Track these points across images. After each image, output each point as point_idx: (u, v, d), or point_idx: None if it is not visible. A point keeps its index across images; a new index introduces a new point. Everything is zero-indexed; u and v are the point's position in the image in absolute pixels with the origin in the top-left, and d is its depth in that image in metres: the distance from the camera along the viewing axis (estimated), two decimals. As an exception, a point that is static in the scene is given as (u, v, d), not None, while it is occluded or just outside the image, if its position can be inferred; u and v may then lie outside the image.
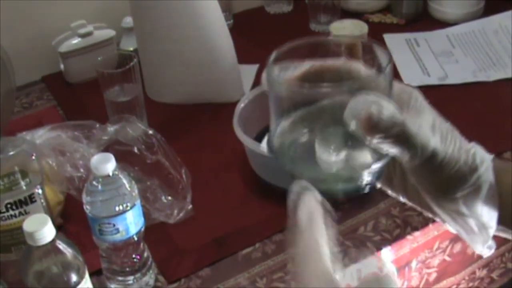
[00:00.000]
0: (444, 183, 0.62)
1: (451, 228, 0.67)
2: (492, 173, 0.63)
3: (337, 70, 0.64)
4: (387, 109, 0.57)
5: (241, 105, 1.29)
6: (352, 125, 0.57)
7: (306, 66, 0.66)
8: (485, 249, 0.68)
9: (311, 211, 0.60)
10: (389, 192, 0.69)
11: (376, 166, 0.61)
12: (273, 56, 0.69)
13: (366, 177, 0.62)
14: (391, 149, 0.59)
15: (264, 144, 0.61)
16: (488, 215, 0.64)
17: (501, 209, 0.63)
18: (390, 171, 0.67)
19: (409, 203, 0.69)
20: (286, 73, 0.66)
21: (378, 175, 0.62)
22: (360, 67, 0.63)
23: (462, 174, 0.62)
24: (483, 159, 0.64)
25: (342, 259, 1.13)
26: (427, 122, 0.61)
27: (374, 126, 0.57)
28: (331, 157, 0.61)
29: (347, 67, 0.64)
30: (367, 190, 0.62)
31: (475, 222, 0.65)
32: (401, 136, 0.58)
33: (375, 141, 0.58)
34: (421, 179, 0.64)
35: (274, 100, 0.67)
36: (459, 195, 0.63)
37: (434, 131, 0.61)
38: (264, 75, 0.68)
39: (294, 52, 0.70)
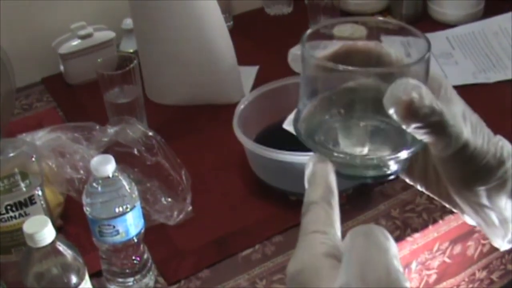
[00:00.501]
0: (472, 175, 0.61)
1: (470, 220, 0.66)
2: None
3: (367, 52, 0.65)
4: (428, 97, 0.56)
5: (241, 106, 1.29)
6: (391, 110, 0.56)
7: (335, 46, 0.66)
8: (505, 243, 0.67)
9: (326, 185, 0.59)
10: (407, 180, 0.68)
11: (405, 154, 0.60)
12: (307, 33, 0.66)
13: (393, 165, 0.61)
14: (427, 138, 0.58)
15: (288, 124, 0.60)
16: (509, 210, 0.63)
17: None
18: (412, 159, 0.64)
19: (427, 192, 0.68)
20: (315, 52, 0.64)
21: (405, 163, 0.62)
22: (391, 51, 0.65)
23: (490, 167, 0.61)
24: (510, 152, 0.62)
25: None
26: (459, 112, 0.61)
27: (414, 112, 0.56)
28: (355, 150, 0.61)
29: (378, 50, 0.65)
30: (393, 176, 0.62)
31: (497, 215, 0.64)
32: (438, 125, 0.57)
33: (412, 127, 0.57)
34: (450, 170, 0.62)
35: (304, 79, 0.64)
36: (484, 188, 0.62)
37: (466, 122, 0.61)
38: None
39: (328, 32, 0.69)
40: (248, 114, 1.29)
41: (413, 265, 1.19)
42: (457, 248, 1.27)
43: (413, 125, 0.56)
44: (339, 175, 0.61)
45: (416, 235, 1.18)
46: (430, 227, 1.19)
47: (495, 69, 1.57)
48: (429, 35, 1.68)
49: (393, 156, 0.60)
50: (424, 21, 1.77)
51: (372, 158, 0.60)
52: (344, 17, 1.70)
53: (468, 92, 1.56)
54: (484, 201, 0.63)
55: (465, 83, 1.53)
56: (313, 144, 0.62)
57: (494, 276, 1.37)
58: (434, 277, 1.24)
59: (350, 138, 0.62)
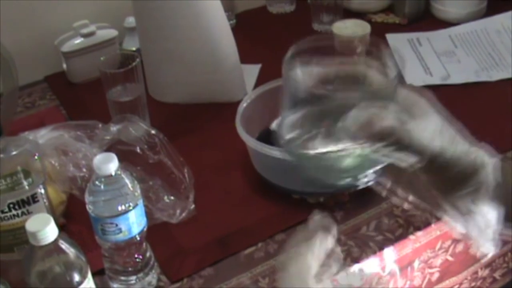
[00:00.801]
0: (449, 181, 0.68)
1: (458, 225, 0.71)
2: (498, 173, 0.68)
3: (355, 74, 0.72)
4: (386, 120, 0.65)
5: (243, 104, 1.29)
6: (355, 132, 0.65)
7: (326, 66, 0.73)
8: (490, 247, 0.72)
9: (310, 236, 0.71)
10: (399, 192, 0.73)
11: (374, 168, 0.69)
12: (290, 52, 0.76)
13: (367, 176, 0.69)
14: (393, 154, 0.66)
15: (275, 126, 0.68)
16: (492, 214, 0.68)
17: (509, 207, 0.68)
18: (400, 172, 0.70)
19: (418, 202, 0.73)
20: (307, 69, 0.73)
21: (379, 174, 0.70)
22: (375, 74, 0.72)
23: (464, 175, 0.68)
24: (486, 162, 0.68)
25: (345, 258, 1.13)
26: (429, 128, 0.68)
27: (373, 134, 0.64)
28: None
29: (363, 72, 0.72)
30: (368, 185, 0.72)
31: (482, 219, 0.69)
32: (399, 143, 0.65)
33: (376, 147, 0.65)
34: (429, 177, 0.69)
35: (289, 94, 0.72)
36: (464, 193, 0.68)
37: (435, 136, 0.68)
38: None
39: (312, 49, 0.77)
40: (250, 112, 1.29)
41: (416, 264, 1.19)
42: (460, 246, 1.26)
43: (376, 146, 0.65)
44: (315, 182, 0.71)
45: (419, 233, 1.18)
46: (433, 225, 1.19)
47: (497, 67, 1.57)
48: (432, 34, 1.69)
49: (363, 148, 0.67)
50: (427, 20, 1.77)
51: (344, 151, 0.67)
52: (346, 15, 1.71)
53: (470, 90, 1.57)
54: (469, 206, 0.69)
55: (468, 82, 1.53)
56: (293, 148, 0.70)
57: (496, 274, 1.37)
58: (436, 275, 1.24)
59: (328, 144, 0.69)
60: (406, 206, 0.75)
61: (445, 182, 0.69)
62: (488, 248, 0.74)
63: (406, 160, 0.68)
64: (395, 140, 0.65)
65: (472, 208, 0.69)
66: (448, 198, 0.70)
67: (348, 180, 0.73)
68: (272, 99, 1.33)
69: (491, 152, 0.72)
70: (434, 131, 0.69)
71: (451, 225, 0.72)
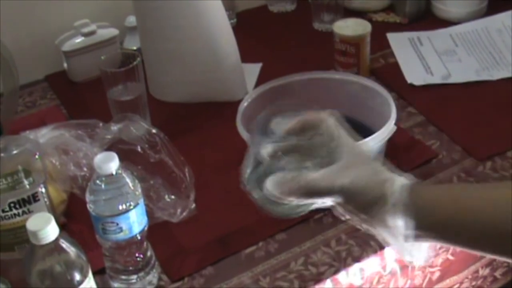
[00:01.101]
0: (363, 206, 0.84)
1: (388, 240, 0.85)
2: (406, 196, 0.82)
3: (317, 126, 0.89)
4: (295, 181, 0.84)
5: (244, 104, 1.29)
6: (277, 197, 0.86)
7: (293, 120, 0.91)
8: (414, 258, 0.87)
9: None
10: (342, 217, 0.89)
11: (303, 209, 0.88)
12: (256, 124, 0.93)
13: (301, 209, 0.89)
14: (308, 200, 0.86)
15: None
16: (406, 230, 0.82)
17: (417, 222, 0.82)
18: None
19: (355, 224, 0.88)
20: (281, 124, 0.91)
21: (308, 209, 0.88)
22: (330, 123, 0.90)
23: (373, 201, 0.83)
24: (395, 188, 0.83)
25: (345, 258, 1.13)
26: (335, 170, 0.85)
27: (287, 193, 0.85)
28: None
29: (324, 124, 0.90)
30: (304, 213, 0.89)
31: (398, 235, 0.83)
32: (307, 194, 0.85)
33: (291, 199, 0.86)
34: (345, 207, 0.86)
35: (252, 155, 0.91)
36: (379, 213, 0.83)
37: (346, 173, 0.84)
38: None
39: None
40: (251, 112, 1.29)
41: (417, 263, 1.19)
42: (461, 246, 1.26)
43: (290, 200, 0.85)
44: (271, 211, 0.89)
45: (420, 232, 1.18)
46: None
47: (498, 66, 1.57)
48: (433, 33, 1.69)
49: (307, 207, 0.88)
50: (428, 19, 1.77)
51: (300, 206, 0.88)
52: (347, 14, 1.71)
53: (471, 89, 1.57)
54: (389, 223, 0.83)
55: (468, 81, 1.53)
56: (248, 183, 0.90)
57: (497, 274, 1.37)
58: (437, 274, 1.24)
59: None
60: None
61: (361, 206, 0.84)
62: (415, 259, 0.87)
63: (326, 202, 0.85)
64: (303, 194, 0.85)
65: (391, 224, 0.83)
66: (367, 219, 0.85)
67: (297, 211, 0.89)
68: (273, 98, 1.33)
69: (409, 177, 0.86)
70: (346, 167, 0.85)
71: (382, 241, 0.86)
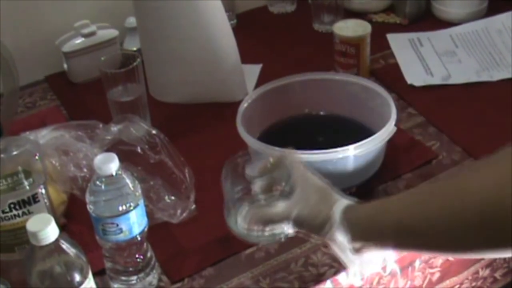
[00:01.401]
0: (314, 229, 0.99)
1: (338, 255, 0.99)
2: (342, 215, 0.95)
3: (279, 166, 1.05)
4: (256, 221, 1.02)
5: (244, 104, 1.29)
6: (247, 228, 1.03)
7: (264, 161, 1.07)
8: (362, 268, 1.07)
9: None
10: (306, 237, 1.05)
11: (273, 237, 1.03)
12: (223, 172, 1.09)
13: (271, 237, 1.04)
14: (269, 228, 1.01)
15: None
16: (348, 244, 0.95)
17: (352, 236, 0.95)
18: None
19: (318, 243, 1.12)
20: (253, 165, 1.08)
21: (277, 237, 1.03)
22: (290, 160, 1.05)
23: (323, 223, 0.96)
24: (337, 210, 0.96)
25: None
26: (292, 201, 0.99)
27: (253, 223, 1.01)
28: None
29: (285, 165, 1.04)
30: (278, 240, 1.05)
31: (347, 248, 0.96)
32: (267, 223, 1.01)
33: (257, 228, 1.02)
34: (302, 230, 1.01)
35: (230, 200, 1.08)
36: (329, 233, 0.96)
37: (295, 206, 0.99)
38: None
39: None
40: (251, 113, 1.29)
41: (417, 263, 1.19)
42: (461, 247, 1.26)
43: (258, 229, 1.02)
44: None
45: (420, 233, 1.18)
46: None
47: (498, 67, 1.57)
48: (433, 34, 1.69)
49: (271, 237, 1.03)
50: (428, 20, 1.77)
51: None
52: (347, 15, 1.71)
53: (471, 90, 1.57)
54: (337, 239, 0.96)
55: (469, 81, 1.53)
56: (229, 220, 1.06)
57: (497, 274, 1.37)
58: (437, 275, 1.24)
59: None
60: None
61: (314, 228, 0.98)
62: (364, 269, 1.08)
63: (287, 229, 1.00)
64: (267, 225, 1.01)
65: (336, 241, 0.96)
66: (320, 238, 1.00)
67: (269, 239, 1.04)
68: (274, 99, 1.34)
69: (352, 199, 0.98)
70: (301, 198, 0.99)
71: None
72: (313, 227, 0.98)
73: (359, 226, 0.94)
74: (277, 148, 1.13)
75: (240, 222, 1.03)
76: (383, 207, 0.93)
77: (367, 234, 0.94)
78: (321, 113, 1.38)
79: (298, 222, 0.99)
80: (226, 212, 1.07)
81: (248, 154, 1.14)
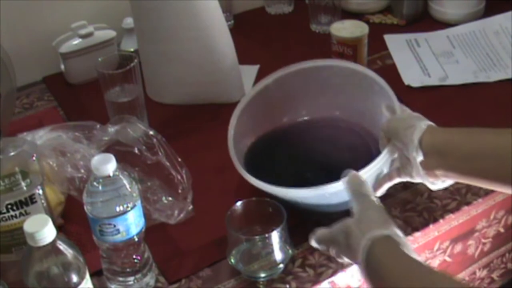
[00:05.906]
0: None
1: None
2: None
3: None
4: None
5: (241, 105, 1.29)
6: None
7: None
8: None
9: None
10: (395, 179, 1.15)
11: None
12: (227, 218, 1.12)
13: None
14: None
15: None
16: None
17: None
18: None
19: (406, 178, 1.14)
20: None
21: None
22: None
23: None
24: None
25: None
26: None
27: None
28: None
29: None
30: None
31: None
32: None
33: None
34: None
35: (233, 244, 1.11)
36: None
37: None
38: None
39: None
40: (248, 114, 1.29)
41: (414, 264, 1.19)
42: (458, 247, 1.26)
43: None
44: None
45: (417, 234, 1.18)
46: (431, 226, 1.19)
47: (495, 68, 1.57)
48: (430, 34, 1.69)
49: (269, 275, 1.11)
50: (425, 20, 1.78)
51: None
52: (345, 16, 1.71)
53: (468, 91, 1.57)
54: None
55: (466, 82, 1.53)
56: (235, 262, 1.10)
57: (494, 275, 1.37)
58: (434, 276, 1.24)
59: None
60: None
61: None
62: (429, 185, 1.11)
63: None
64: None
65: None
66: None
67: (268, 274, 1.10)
68: (270, 97, 1.33)
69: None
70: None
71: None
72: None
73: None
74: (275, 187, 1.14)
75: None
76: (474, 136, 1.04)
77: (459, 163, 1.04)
78: (319, 116, 1.37)
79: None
80: (231, 255, 1.12)
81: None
